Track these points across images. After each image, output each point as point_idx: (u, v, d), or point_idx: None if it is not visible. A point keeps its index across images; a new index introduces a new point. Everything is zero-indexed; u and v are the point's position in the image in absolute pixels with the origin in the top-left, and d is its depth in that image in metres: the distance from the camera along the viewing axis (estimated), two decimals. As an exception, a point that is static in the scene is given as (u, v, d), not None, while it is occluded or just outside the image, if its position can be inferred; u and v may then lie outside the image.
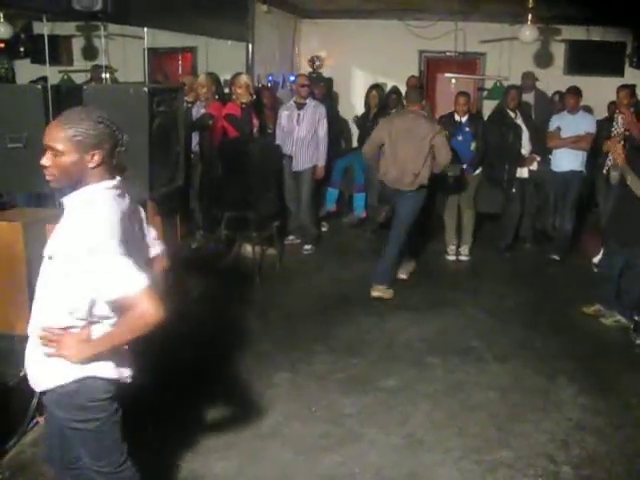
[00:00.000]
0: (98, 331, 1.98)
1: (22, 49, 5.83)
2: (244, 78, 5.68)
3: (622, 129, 5.74)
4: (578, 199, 6.25)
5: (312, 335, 4.46)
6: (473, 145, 6.06)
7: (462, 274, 6.06)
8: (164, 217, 3.82)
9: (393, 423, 3.41)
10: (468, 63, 8.88)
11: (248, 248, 5.69)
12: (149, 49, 5.05)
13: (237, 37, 6.62)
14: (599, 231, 5.93)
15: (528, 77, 7.96)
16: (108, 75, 4.86)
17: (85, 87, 3.34)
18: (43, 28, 3.81)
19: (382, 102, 7.17)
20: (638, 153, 4.46)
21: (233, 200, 5.40)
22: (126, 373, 2.11)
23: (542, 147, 6.25)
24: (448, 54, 8.57)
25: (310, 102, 6.27)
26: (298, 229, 6.50)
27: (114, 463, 2.13)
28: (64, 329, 1.96)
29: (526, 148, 6.23)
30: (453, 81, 8.74)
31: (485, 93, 8.68)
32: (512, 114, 6.22)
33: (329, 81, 8.36)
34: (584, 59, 8.02)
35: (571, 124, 6.05)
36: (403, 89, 7.77)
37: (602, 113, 6.88)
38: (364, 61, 8.74)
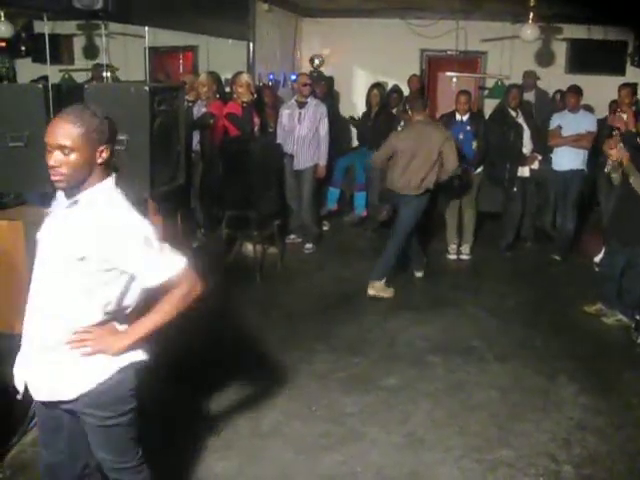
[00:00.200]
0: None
1: (23, 48, 5.81)
2: (245, 77, 5.67)
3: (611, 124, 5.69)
4: (579, 198, 6.25)
5: (313, 334, 4.46)
6: (474, 144, 6.06)
7: (463, 273, 6.07)
8: (165, 216, 3.81)
9: (394, 422, 3.41)
10: (469, 62, 8.86)
11: (249, 247, 5.69)
12: (150, 48, 5.06)
13: (238, 36, 6.62)
14: (600, 230, 5.92)
15: (529, 76, 7.94)
16: (109, 74, 4.86)
17: (86, 86, 3.33)
18: (44, 27, 3.81)
19: (383, 101, 7.17)
20: (639, 153, 4.46)
21: (234, 199, 5.41)
22: (146, 355, 2.10)
23: (543, 146, 6.23)
24: (449, 53, 8.56)
25: (311, 101, 6.26)
26: (299, 228, 6.50)
27: (135, 456, 2.13)
28: (96, 325, 1.95)
29: (527, 147, 6.22)
30: (454, 80, 8.72)
31: (486, 92, 8.67)
32: (513, 113, 6.21)
33: (330, 80, 8.35)
34: (585, 58, 8.01)
35: (572, 123, 6.04)
36: (404, 88, 7.81)
37: (603, 112, 6.88)
38: (365, 60, 8.72)
